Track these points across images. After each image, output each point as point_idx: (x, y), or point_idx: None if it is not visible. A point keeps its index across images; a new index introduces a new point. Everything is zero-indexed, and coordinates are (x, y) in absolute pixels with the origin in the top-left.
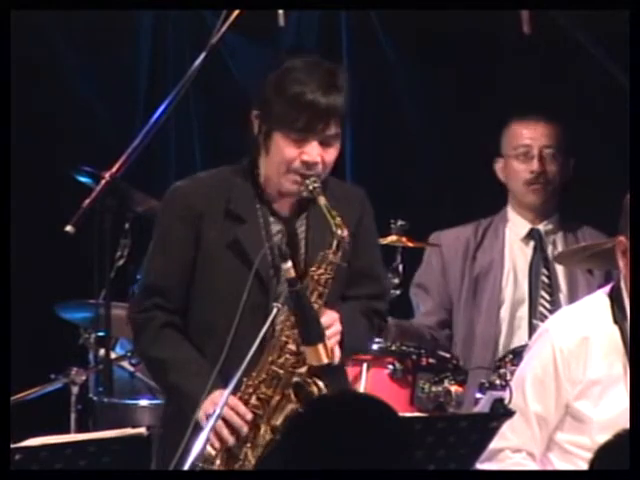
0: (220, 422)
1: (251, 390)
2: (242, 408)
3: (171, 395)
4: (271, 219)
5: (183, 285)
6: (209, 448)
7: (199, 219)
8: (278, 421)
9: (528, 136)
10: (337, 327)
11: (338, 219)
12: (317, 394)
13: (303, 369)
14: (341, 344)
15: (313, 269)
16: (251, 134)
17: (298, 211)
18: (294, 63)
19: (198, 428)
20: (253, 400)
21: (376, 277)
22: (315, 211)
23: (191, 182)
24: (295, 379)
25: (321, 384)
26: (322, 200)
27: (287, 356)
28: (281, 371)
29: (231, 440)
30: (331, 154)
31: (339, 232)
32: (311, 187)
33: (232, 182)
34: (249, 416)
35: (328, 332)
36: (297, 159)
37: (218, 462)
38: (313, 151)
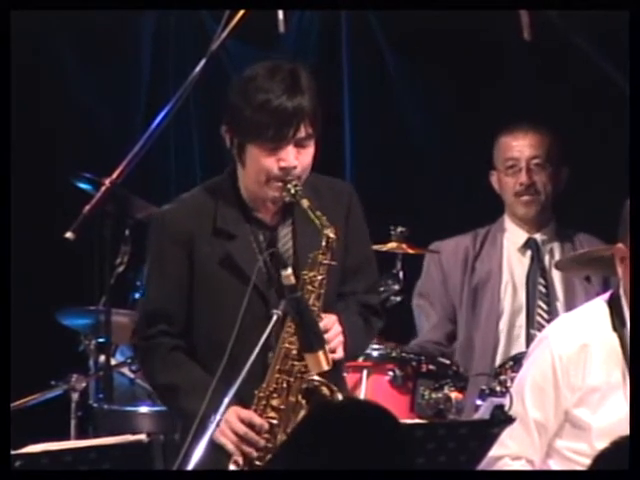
0: (236, 439)
1: (264, 402)
2: (258, 420)
3: (186, 419)
4: (259, 230)
5: (184, 307)
6: (232, 465)
7: (190, 240)
8: None
9: (516, 149)
10: (337, 328)
11: (324, 219)
12: (329, 397)
13: (312, 374)
14: (344, 346)
15: (305, 272)
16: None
17: (284, 217)
18: (255, 70)
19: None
20: (268, 412)
21: (369, 270)
22: (300, 215)
23: (177, 205)
24: (304, 385)
25: (334, 387)
26: (305, 203)
27: (294, 363)
28: (290, 378)
29: (253, 453)
30: (307, 155)
31: (326, 231)
32: (293, 191)
33: (216, 199)
34: (266, 427)
35: (329, 334)
36: (275, 167)
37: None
38: (289, 156)
